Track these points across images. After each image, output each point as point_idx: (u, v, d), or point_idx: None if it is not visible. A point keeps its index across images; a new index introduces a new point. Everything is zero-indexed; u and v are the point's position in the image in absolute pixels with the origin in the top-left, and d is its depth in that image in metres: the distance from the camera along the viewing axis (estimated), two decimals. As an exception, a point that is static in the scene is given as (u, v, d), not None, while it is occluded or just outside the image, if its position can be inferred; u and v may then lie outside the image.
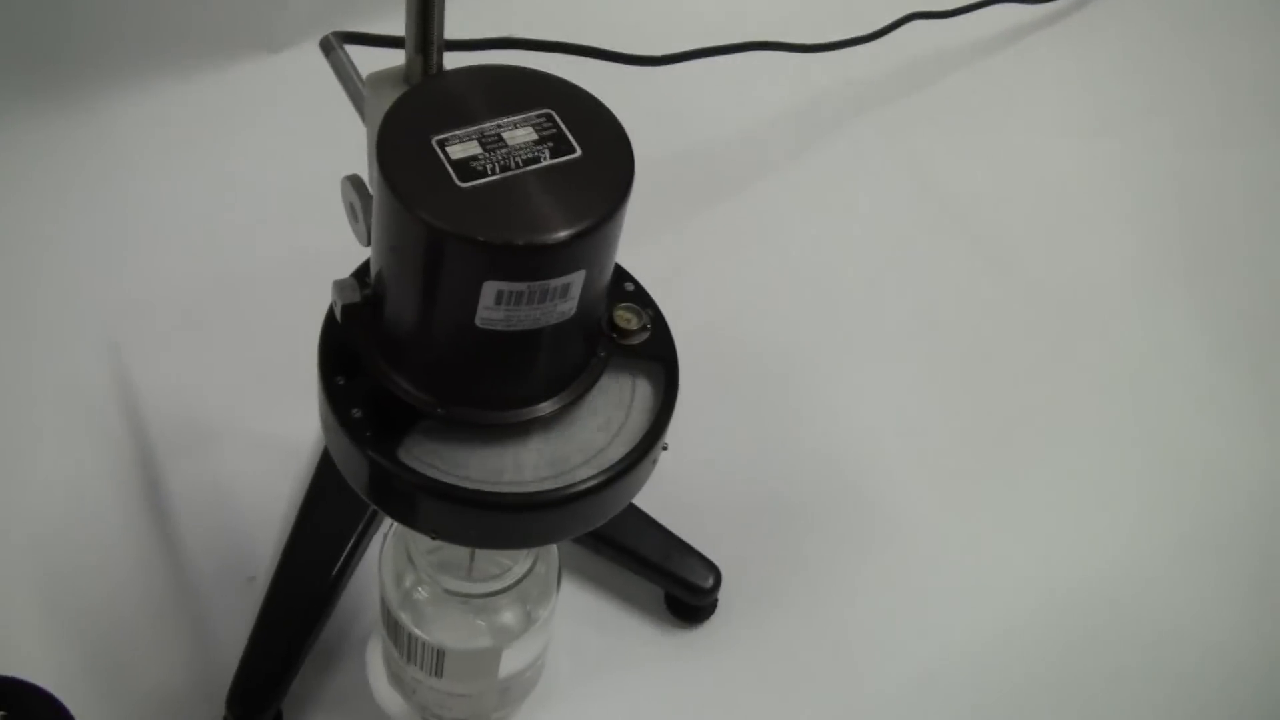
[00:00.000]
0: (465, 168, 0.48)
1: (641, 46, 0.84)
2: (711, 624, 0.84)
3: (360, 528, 0.79)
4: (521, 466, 0.54)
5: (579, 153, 0.49)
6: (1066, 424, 0.99)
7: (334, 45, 0.61)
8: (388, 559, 0.69)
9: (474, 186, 0.47)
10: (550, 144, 0.49)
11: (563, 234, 0.47)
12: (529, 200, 0.47)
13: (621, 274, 0.59)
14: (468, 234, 0.46)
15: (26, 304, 0.94)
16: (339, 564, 0.78)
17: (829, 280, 1.06)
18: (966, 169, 1.16)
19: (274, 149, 1.05)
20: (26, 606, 0.79)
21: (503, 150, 0.48)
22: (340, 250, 0.58)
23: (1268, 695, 0.85)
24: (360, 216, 0.54)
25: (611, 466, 0.54)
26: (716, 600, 0.84)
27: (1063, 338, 1.04)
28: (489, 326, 0.49)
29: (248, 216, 1.01)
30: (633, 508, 0.80)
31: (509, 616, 0.70)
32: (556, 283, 0.48)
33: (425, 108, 0.50)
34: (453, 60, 0.54)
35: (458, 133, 0.49)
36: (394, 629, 0.69)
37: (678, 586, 0.82)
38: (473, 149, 0.48)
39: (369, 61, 0.57)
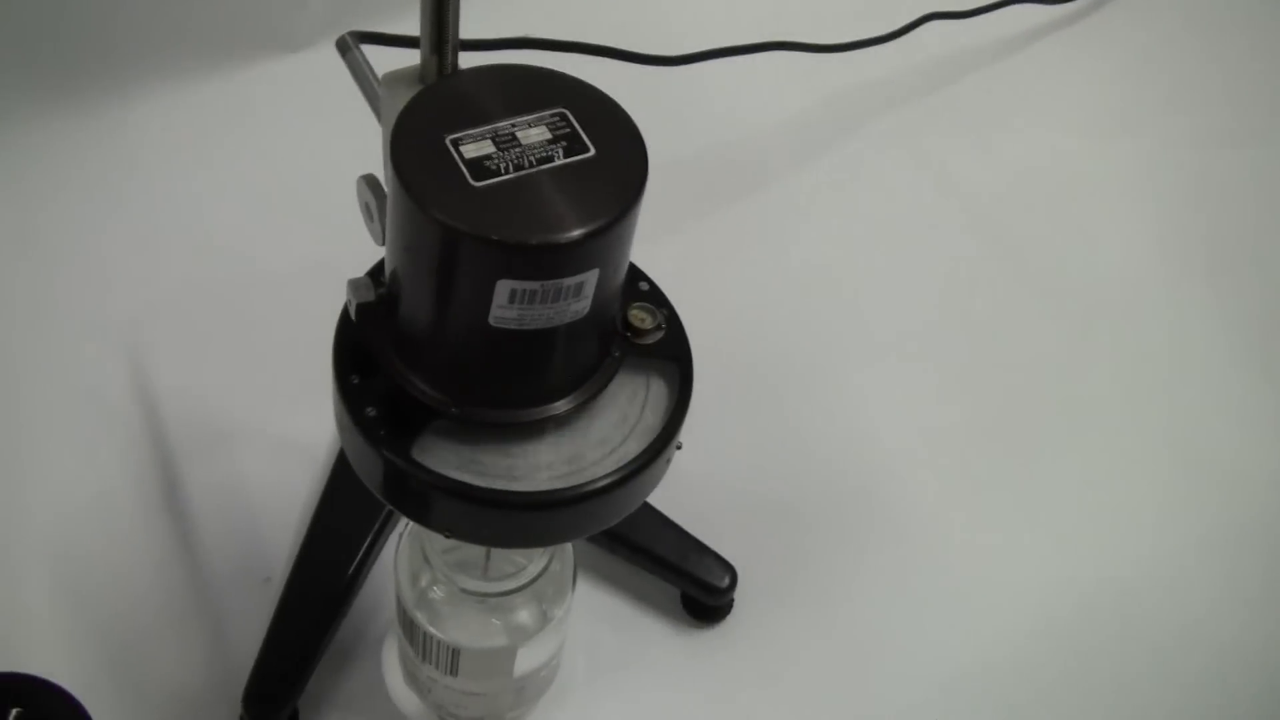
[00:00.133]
0: (479, 167, 0.48)
1: (658, 46, 0.84)
2: (727, 624, 0.84)
3: (376, 528, 0.79)
4: (536, 465, 0.54)
5: (593, 152, 0.49)
6: (1081, 425, 0.98)
7: (350, 45, 0.61)
8: (403, 558, 0.69)
9: (487, 186, 0.47)
10: (564, 143, 0.49)
11: (576, 233, 0.47)
12: (542, 199, 0.47)
13: (636, 273, 0.59)
14: (481, 233, 0.46)
15: (46, 306, 0.94)
16: (354, 564, 0.78)
17: (845, 280, 1.06)
18: (984, 169, 1.16)
19: (292, 149, 1.06)
20: (44, 606, 0.79)
21: (516, 149, 0.49)
22: (357, 251, 0.58)
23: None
24: (376, 216, 0.54)
25: (626, 465, 0.54)
26: (733, 600, 0.84)
27: (1079, 338, 1.04)
28: (502, 325, 0.49)
29: (265, 217, 1.01)
30: (649, 507, 0.81)
31: (524, 615, 0.70)
32: (570, 282, 0.48)
33: (439, 107, 0.50)
34: (468, 60, 0.54)
35: (471, 132, 0.49)
36: (409, 628, 0.69)
37: (694, 586, 0.82)
38: (486, 148, 0.48)
39: (386, 62, 0.57)
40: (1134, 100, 1.26)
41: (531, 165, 0.48)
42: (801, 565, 0.87)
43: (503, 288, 0.48)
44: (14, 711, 0.60)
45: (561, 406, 0.55)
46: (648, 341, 0.57)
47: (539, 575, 0.67)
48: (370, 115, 0.59)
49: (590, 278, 0.49)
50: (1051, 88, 1.25)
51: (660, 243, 0.67)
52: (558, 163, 0.48)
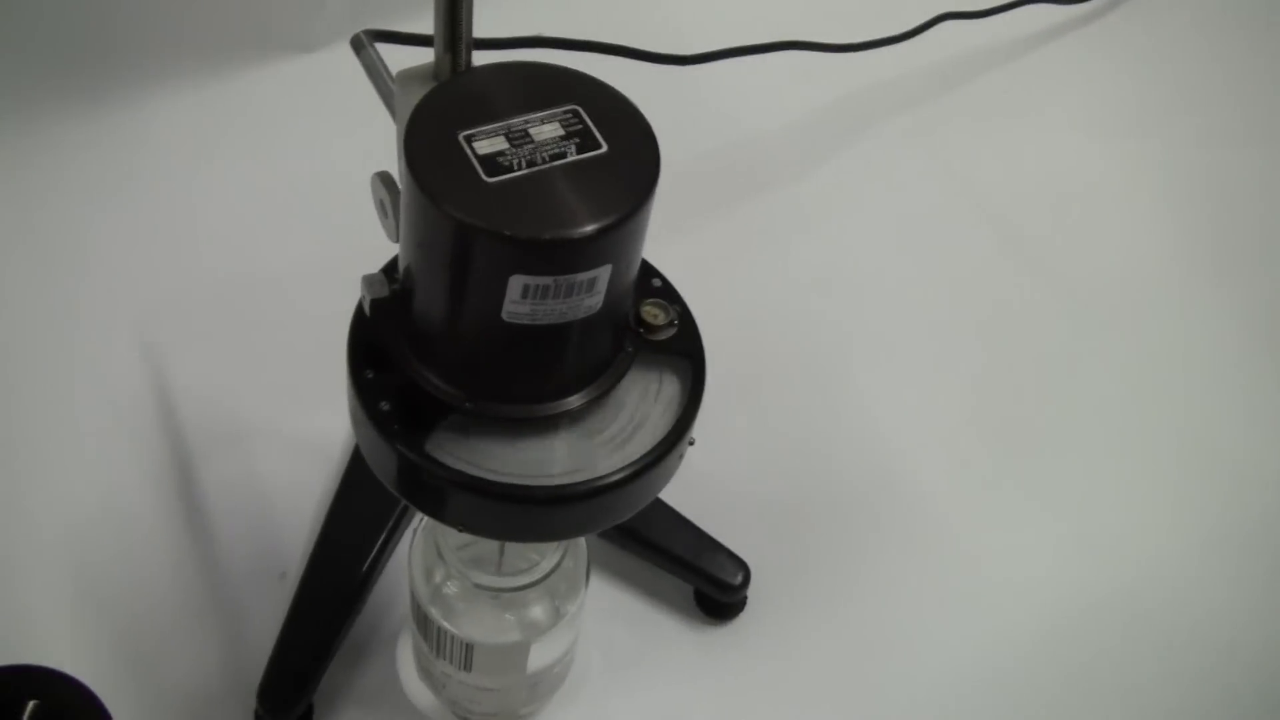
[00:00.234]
0: (492, 163, 0.48)
1: (671, 46, 0.85)
2: (740, 621, 0.84)
3: (390, 525, 0.79)
4: (549, 460, 0.54)
5: (605, 148, 0.49)
6: (1091, 425, 0.98)
7: (364, 43, 0.61)
8: (417, 554, 0.70)
9: (500, 181, 0.48)
10: (577, 139, 0.49)
11: (588, 228, 0.47)
12: (555, 195, 0.48)
13: (649, 270, 0.59)
14: (494, 228, 0.47)
15: (64, 303, 0.95)
16: (369, 560, 0.78)
17: (859, 280, 1.06)
18: (997, 169, 1.16)
19: (308, 150, 1.06)
20: (62, 600, 0.80)
21: (529, 145, 0.49)
22: (372, 248, 0.58)
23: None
24: (390, 213, 0.55)
25: (638, 460, 0.54)
26: (746, 597, 0.84)
27: (1094, 337, 1.04)
28: (515, 320, 0.50)
29: (281, 215, 1.02)
30: (663, 504, 0.81)
31: (537, 611, 0.70)
32: (582, 277, 0.49)
33: (452, 103, 0.50)
34: (481, 59, 0.55)
35: (484, 128, 0.49)
36: (424, 623, 0.70)
37: (707, 583, 0.82)
38: (499, 144, 0.49)
39: (400, 60, 0.57)
40: (1148, 100, 1.26)
41: (544, 161, 0.48)
42: (814, 563, 0.87)
43: (515, 283, 0.48)
44: (31, 703, 0.61)
45: (575, 402, 0.55)
46: (660, 338, 0.57)
47: (552, 571, 0.67)
48: (384, 116, 0.59)
49: (603, 273, 0.49)
50: (1065, 88, 1.25)
51: (673, 241, 0.67)
52: (570, 159, 0.49)
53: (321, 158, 1.04)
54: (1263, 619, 0.88)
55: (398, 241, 0.54)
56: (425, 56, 0.55)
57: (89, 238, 0.99)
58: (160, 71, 1.07)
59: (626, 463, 0.54)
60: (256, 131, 1.08)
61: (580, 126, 0.50)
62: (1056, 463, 0.96)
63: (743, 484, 0.90)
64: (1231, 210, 1.16)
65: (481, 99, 0.51)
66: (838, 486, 0.91)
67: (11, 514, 0.83)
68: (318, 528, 0.81)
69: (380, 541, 0.79)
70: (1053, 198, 1.15)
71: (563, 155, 0.49)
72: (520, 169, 0.48)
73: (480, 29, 0.55)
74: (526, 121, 0.50)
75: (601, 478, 0.54)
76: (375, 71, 0.60)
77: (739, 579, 0.82)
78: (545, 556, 0.67)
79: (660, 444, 0.55)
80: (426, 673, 0.75)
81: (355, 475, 0.84)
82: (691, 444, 0.58)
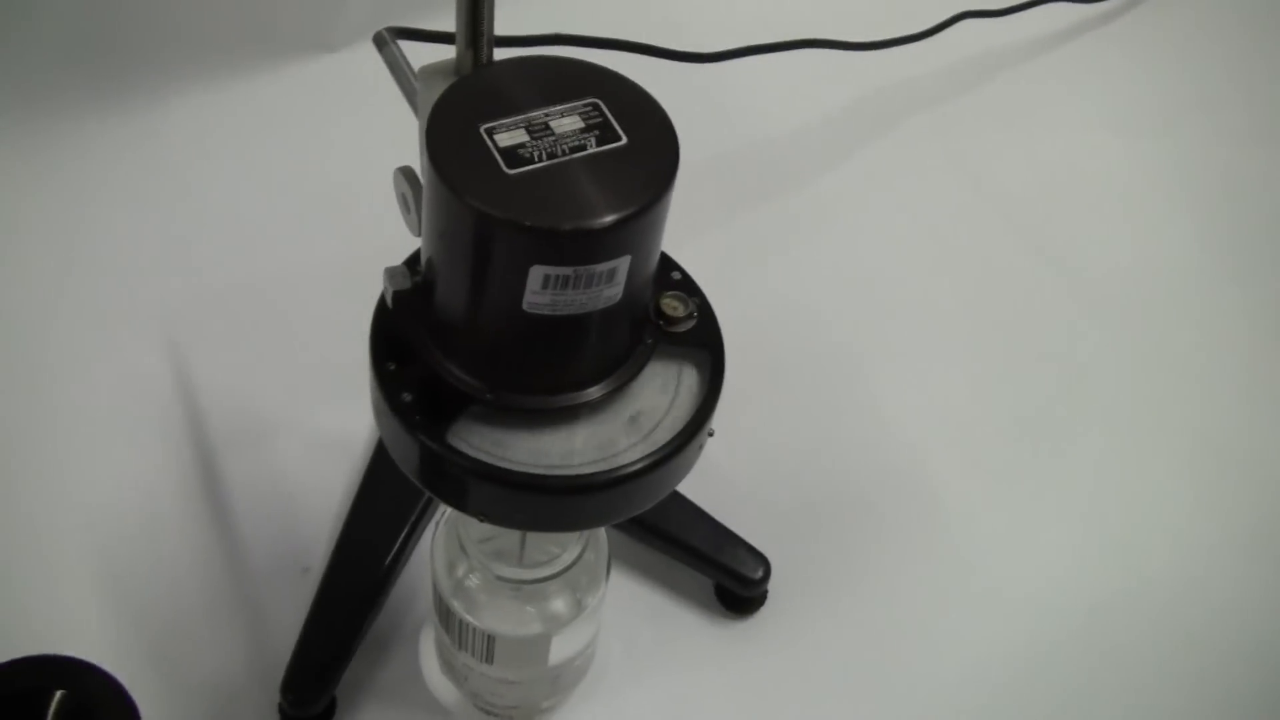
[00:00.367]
0: (512, 155, 0.49)
1: (691, 44, 0.85)
2: (761, 615, 0.84)
3: (412, 519, 0.80)
4: (569, 450, 0.55)
5: (625, 141, 0.50)
6: (1112, 424, 0.98)
7: (387, 40, 0.62)
8: (439, 548, 0.70)
9: (521, 173, 0.48)
10: (596, 132, 0.50)
11: (608, 219, 0.48)
12: (575, 186, 0.48)
13: (669, 263, 0.59)
14: (515, 219, 0.47)
15: (90, 302, 0.96)
16: (391, 554, 0.79)
17: (878, 277, 1.06)
18: (1017, 167, 1.16)
19: (330, 148, 1.07)
20: (90, 594, 0.80)
21: (549, 138, 0.49)
22: (394, 246, 0.59)
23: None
24: (413, 208, 0.55)
25: (657, 450, 0.55)
26: (766, 591, 0.84)
27: (1110, 336, 1.04)
28: (536, 311, 0.50)
29: (304, 214, 1.03)
30: (683, 499, 0.82)
31: (559, 604, 0.71)
32: (602, 268, 0.49)
33: (473, 97, 0.51)
34: (503, 55, 0.55)
35: (505, 121, 0.50)
36: (446, 616, 0.70)
37: (728, 577, 0.83)
38: (520, 137, 0.49)
39: (422, 58, 0.58)
40: (1166, 99, 1.26)
41: (564, 153, 0.49)
42: (834, 557, 0.87)
43: (536, 273, 0.48)
44: (58, 693, 0.61)
45: (594, 393, 0.55)
46: (680, 330, 0.57)
47: (573, 563, 0.67)
48: (406, 115, 0.59)
49: (622, 264, 0.50)
50: (1084, 87, 1.26)
51: (693, 239, 0.68)
52: (590, 151, 0.49)
53: (343, 157, 1.05)
54: (1277, 618, 0.88)
55: (419, 236, 0.55)
56: (447, 53, 0.55)
57: (114, 238, 1.00)
58: (184, 72, 1.08)
59: (646, 453, 0.55)
60: (279, 131, 1.08)
61: (600, 119, 0.50)
62: (1074, 462, 0.96)
63: (762, 479, 0.90)
64: (1248, 209, 1.16)
65: (502, 92, 0.51)
66: (857, 483, 0.92)
67: (41, 510, 0.84)
68: (340, 524, 0.82)
69: (402, 537, 0.79)
70: (1070, 196, 1.15)
71: (583, 147, 0.49)
72: (541, 161, 0.49)
73: (500, 27, 0.56)
74: (547, 114, 0.50)
75: (621, 468, 0.54)
76: (397, 68, 0.61)
77: (759, 573, 0.82)
78: (566, 549, 0.68)
79: (680, 434, 0.56)
80: (448, 666, 0.76)
81: (377, 472, 0.84)
82: (711, 435, 0.58)
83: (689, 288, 0.59)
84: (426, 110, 0.51)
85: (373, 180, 0.67)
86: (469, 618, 0.69)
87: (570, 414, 0.56)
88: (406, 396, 0.55)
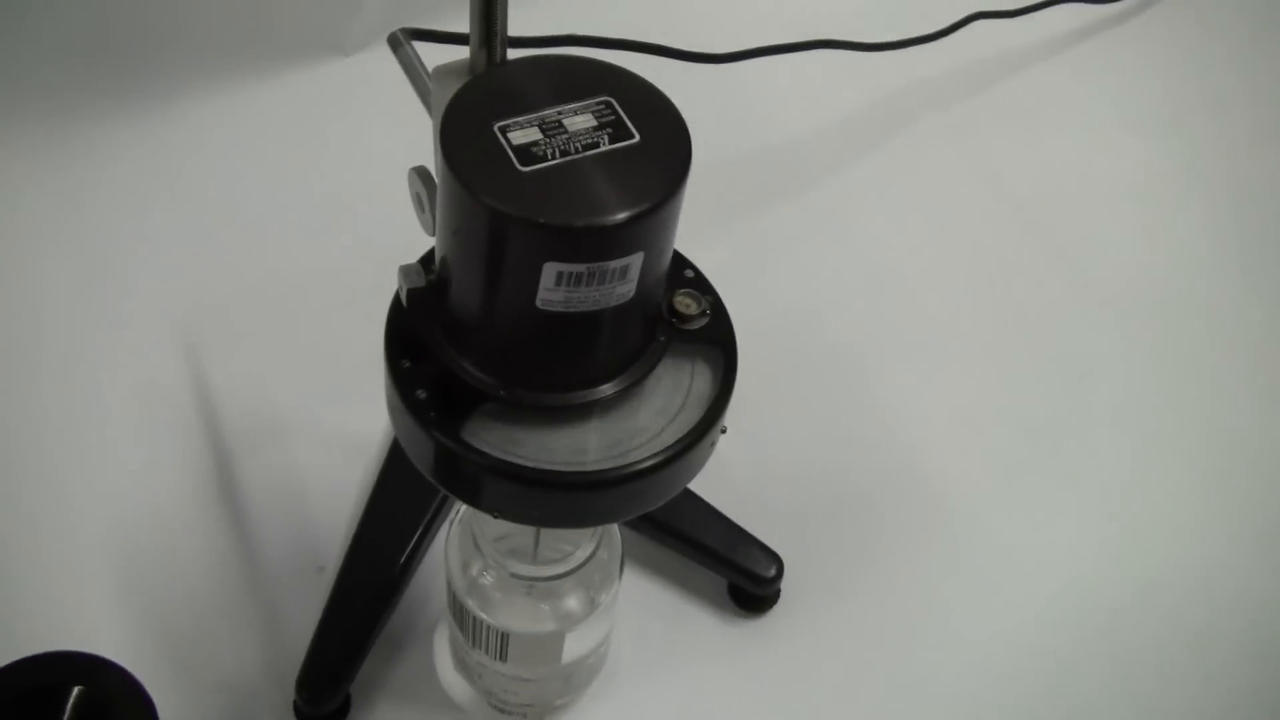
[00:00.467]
0: (526, 153, 0.49)
1: (705, 44, 0.85)
2: (774, 614, 0.84)
3: (427, 518, 0.80)
4: (582, 447, 0.55)
5: (637, 138, 0.50)
6: (1127, 420, 0.98)
7: (401, 41, 0.62)
8: (454, 546, 0.70)
9: (534, 170, 0.48)
10: (609, 130, 0.50)
11: (621, 216, 0.48)
12: (588, 183, 0.49)
13: (682, 261, 0.60)
14: (528, 216, 0.47)
15: (108, 303, 0.96)
16: (406, 553, 0.79)
17: (893, 276, 1.06)
18: (1029, 167, 1.16)
19: (345, 150, 1.07)
20: (108, 591, 0.81)
21: (562, 136, 0.50)
22: (408, 246, 0.59)
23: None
24: (427, 207, 0.55)
25: (670, 447, 0.55)
26: (779, 590, 0.84)
27: (1125, 334, 1.04)
28: (549, 308, 0.50)
29: (319, 215, 1.03)
30: (696, 498, 0.82)
31: (572, 601, 0.71)
32: (615, 264, 0.49)
33: (487, 95, 0.51)
34: (516, 56, 0.55)
35: (518, 119, 0.50)
36: (460, 614, 0.70)
37: (741, 576, 0.83)
38: (533, 134, 0.50)
39: (436, 59, 0.58)
40: (1179, 99, 1.25)
41: (577, 151, 0.49)
42: (848, 556, 0.87)
43: (549, 270, 0.49)
44: (76, 689, 0.62)
45: (608, 390, 0.56)
46: (693, 327, 0.58)
47: (587, 561, 0.68)
48: (420, 118, 0.60)
49: (635, 261, 0.50)
50: (1098, 87, 1.26)
51: (705, 238, 0.68)
52: (603, 149, 0.50)
53: (358, 158, 1.05)
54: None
55: (434, 236, 0.55)
56: (461, 54, 0.56)
57: (131, 238, 1.00)
58: (201, 75, 1.09)
59: (659, 450, 0.55)
60: (295, 132, 1.09)
61: (613, 117, 0.51)
62: (1088, 459, 0.96)
63: (776, 478, 0.90)
64: (1261, 208, 1.16)
65: (515, 91, 0.51)
66: (870, 480, 0.92)
67: (59, 508, 0.84)
68: (355, 523, 0.82)
69: (416, 536, 0.80)
70: (1082, 195, 1.15)
71: (596, 145, 0.50)
72: (554, 158, 0.49)
73: (514, 28, 0.56)
74: (560, 113, 0.51)
75: (634, 464, 0.54)
76: (412, 68, 0.61)
77: (772, 571, 0.82)
78: (580, 546, 0.68)
79: (692, 431, 0.56)
80: (462, 664, 0.76)
81: (392, 471, 0.84)
82: (724, 432, 0.58)
83: (702, 285, 0.59)
84: (440, 110, 0.51)
85: (386, 182, 0.67)
86: (483, 615, 0.69)
87: (583, 411, 0.56)
88: (421, 394, 0.55)
